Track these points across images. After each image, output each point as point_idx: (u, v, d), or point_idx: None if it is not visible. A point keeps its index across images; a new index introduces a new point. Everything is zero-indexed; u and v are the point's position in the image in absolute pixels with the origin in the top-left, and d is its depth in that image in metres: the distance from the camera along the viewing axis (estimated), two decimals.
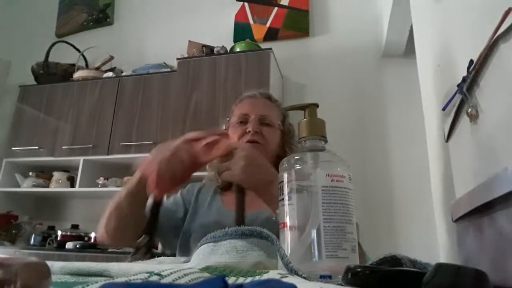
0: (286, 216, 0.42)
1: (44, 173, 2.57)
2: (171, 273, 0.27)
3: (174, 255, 0.89)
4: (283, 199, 0.43)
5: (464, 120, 0.73)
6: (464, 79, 0.71)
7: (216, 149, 0.66)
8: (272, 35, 2.58)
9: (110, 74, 2.56)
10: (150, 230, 0.71)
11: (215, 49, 2.35)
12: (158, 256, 0.58)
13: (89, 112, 2.46)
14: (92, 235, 2.27)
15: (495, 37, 0.57)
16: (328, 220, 0.40)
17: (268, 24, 2.61)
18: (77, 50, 2.75)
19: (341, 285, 0.32)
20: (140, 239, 0.69)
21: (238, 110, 0.98)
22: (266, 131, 0.94)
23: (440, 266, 0.28)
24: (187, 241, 0.87)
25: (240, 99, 1.05)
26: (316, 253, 0.39)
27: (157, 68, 2.48)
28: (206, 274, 0.30)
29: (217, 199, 0.95)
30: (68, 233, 2.29)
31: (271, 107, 1.00)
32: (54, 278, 0.28)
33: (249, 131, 0.91)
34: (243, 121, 0.95)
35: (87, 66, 2.74)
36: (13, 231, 2.46)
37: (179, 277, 0.26)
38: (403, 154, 2.14)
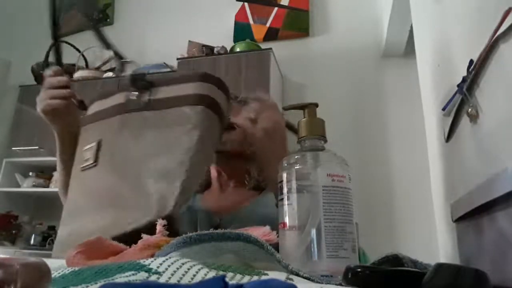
0: (286, 216, 0.42)
1: (44, 173, 2.56)
2: (169, 268, 0.27)
3: None
4: (282, 198, 0.43)
5: (464, 120, 0.73)
6: (464, 79, 0.71)
7: None
8: (272, 35, 2.58)
9: (110, 74, 2.56)
10: None
11: (215, 49, 2.35)
12: None
13: None
14: None
15: (495, 37, 0.57)
16: (329, 220, 0.40)
17: (268, 24, 2.61)
18: (77, 50, 2.75)
19: (341, 285, 0.32)
20: None
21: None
22: None
23: (440, 266, 0.28)
24: None
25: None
26: (317, 253, 0.39)
27: (157, 68, 2.48)
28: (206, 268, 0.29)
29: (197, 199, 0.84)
30: None
31: None
32: (52, 274, 0.28)
33: None
34: None
35: (87, 66, 2.74)
36: (13, 231, 2.46)
37: (180, 274, 0.26)
38: (403, 154, 2.14)
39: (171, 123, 0.55)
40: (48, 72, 0.76)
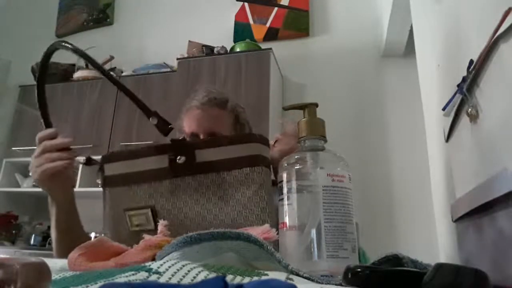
0: (286, 216, 0.42)
1: None
2: (169, 268, 0.27)
3: None
4: (282, 199, 0.43)
5: (464, 120, 0.73)
6: (464, 79, 0.71)
7: None
8: (272, 35, 2.58)
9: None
10: None
11: (215, 49, 2.35)
12: None
13: (89, 112, 2.46)
14: (92, 235, 2.27)
15: (495, 37, 0.57)
16: (329, 220, 0.40)
17: (268, 24, 2.61)
18: None
19: (341, 285, 0.32)
20: None
21: (187, 125, 0.95)
22: None
23: (440, 266, 0.28)
24: None
25: (188, 107, 0.99)
26: (317, 253, 0.39)
27: (157, 68, 2.48)
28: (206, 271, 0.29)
29: None
30: None
31: (221, 116, 0.96)
32: (53, 277, 0.28)
33: None
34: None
35: (87, 66, 2.74)
36: (13, 231, 2.46)
37: (181, 275, 0.26)
38: (403, 154, 2.14)
39: (234, 184, 0.58)
40: (41, 135, 0.72)
